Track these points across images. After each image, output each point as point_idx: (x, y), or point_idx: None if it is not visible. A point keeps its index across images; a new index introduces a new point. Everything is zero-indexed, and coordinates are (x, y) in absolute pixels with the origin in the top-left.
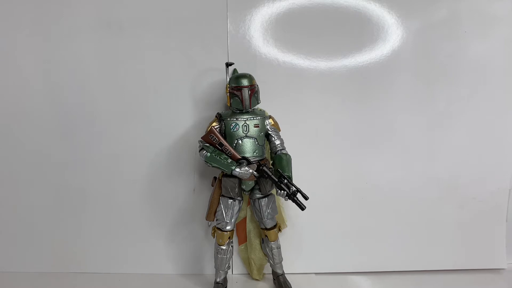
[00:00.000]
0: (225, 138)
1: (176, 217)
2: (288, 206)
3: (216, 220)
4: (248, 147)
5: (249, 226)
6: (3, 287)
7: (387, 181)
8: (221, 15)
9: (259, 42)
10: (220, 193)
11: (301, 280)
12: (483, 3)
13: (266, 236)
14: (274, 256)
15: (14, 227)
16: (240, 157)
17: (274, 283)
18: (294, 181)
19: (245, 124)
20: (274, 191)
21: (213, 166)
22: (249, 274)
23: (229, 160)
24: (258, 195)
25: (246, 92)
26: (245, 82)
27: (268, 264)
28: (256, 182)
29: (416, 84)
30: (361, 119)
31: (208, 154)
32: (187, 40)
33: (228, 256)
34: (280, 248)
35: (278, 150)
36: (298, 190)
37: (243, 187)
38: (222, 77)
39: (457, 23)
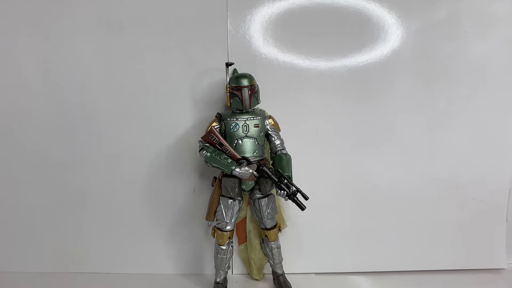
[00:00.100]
0: (225, 138)
1: (176, 217)
2: (288, 206)
3: (216, 220)
4: (248, 147)
5: (249, 226)
6: (3, 287)
7: (387, 181)
8: (221, 15)
9: (259, 42)
10: (220, 193)
11: (301, 280)
12: (483, 3)
13: (266, 236)
14: (274, 256)
15: (14, 227)
16: (240, 157)
17: (274, 283)
18: (294, 181)
19: (245, 124)
20: (274, 191)
21: (213, 166)
22: (249, 274)
23: (229, 160)
24: (258, 195)
25: (246, 92)
26: (245, 82)
27: (268, 264)
28: (256, 182)
29: (416, 84)
30: (361, 119)
31: (208, 154)
32: (187, 40)
33: (228, 256)
34: (280, 248)
35: (278, 150)
36: (298, 190)
37: (243, 187)
38: (222, 77)
39: (457, 23)
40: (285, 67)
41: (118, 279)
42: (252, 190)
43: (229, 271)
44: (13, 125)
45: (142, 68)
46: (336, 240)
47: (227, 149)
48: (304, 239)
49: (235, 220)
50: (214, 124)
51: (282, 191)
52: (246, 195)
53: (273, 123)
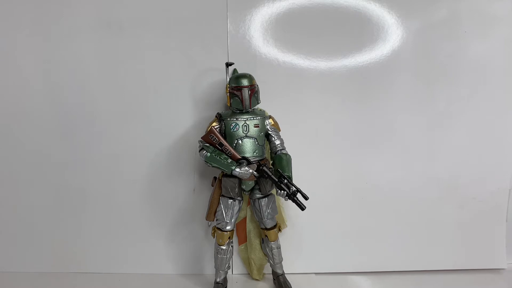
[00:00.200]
0: (225, 138)
1: (176, 217)
2: (288, 206)
3: (216, 220)
4: (248, 147)
5: (249, 226)
6: (3, 287)
7: (387, 181)
8: (221, 15)
9: (259, 42)
10: (220, 193)
11: (301, 280)
12: (483, 3)
13: (266, 236)
14: (274, 256)
15: (14, 227)
16: (240, 157)
17: (274, 283)
18: (294, 181)
19: (245, 124)
20: (274, 191)
21: (213, 166)
22: (249, 274)
23: (229, 160)
24: (258, 195)
25: (246, 92)
26: (245, 82)
27: (268, 264)
28: (256, 182)
29: (416, 84)
30: (361, 119)
31: (208, 154)
32: (187, 40)
33: (228, 256)
34: (280, 248)
35: (278, 150)
36: (298, 190)
37: (243, 187)
38: (222, 77)
39: (457, 23)
40: (285, 67)
41: (118, 279)
42: (252, 190)
43: (229, 271)
44: (13, 125)
45: (142, 68)
46: (336, 240)
47: (227, 149)
48: (304, 239)
49: (235, 220)
50: (214, 124)
51: (282, 191)
52: (246, 195)
53: (273, 123)
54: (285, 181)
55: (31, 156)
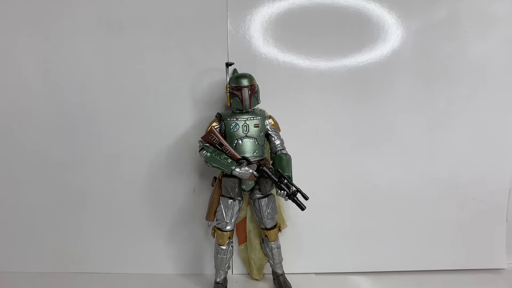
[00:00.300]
0: (225, 138)
1: (176, 217)
2: (288, 206)
3: (216, 220)
4: (248, 147)
5: (249, 226)
6: (3, 287)
7: (387, 181)
8: (221, 15)
9: (259, 42)
10: (220, 193)
11: (301, 280)
12: (483, 3)
13: (266, 236)
14: (274, 256)
15: (14, 227)
16: (240, 157)
17: (274, 283)
18: (294, 181)
19: (245, 124)
20: (274, 191)
21: (213, 166)
22: (249, 274)
23: (229, 160)
24: (258, 195)
25: (246, 92)
26: (245, 82)
27: (268, 264)
28: (256, 182)
29: (416, 84)
30: (361, 119)
31: (208, 154)
32: (187, 40)
33: (228, 256)
34: (280, 248)
35: (278, 150)
36: (298, 190)
37: (243, 187)
38: (222, 77)
39: (457, 23)
40: (285, 67)
41: (118, 279)
42: (252, 190)
43: (229, 271)
44: (13, 125)
45: (142, 68)
46: (336, 240)
47: (227, 149)
48: (304, 239)
49: (235, 220)
50: (214, 124)
51: (282, 191)
52: (246, 195)
53: (273, 123)
54: (285, 181)
55: (31, 156)
